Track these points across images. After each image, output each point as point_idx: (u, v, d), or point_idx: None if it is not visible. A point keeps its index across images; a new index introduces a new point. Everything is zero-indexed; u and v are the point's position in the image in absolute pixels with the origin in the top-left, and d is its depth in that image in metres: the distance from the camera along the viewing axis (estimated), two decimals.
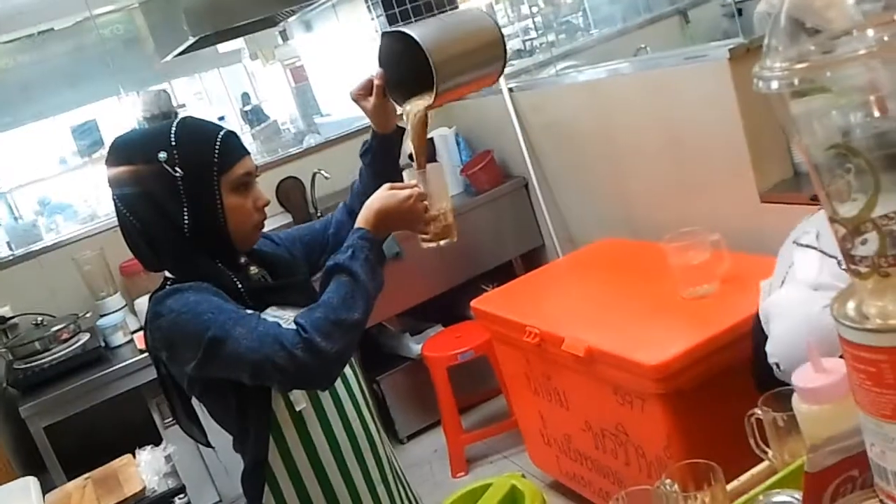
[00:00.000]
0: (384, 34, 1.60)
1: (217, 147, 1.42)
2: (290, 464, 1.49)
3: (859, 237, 0.60)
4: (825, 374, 1.02)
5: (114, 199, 1.45)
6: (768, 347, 1.62)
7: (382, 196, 1.47)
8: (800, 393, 1.04)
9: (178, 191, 1.40)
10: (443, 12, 3.10)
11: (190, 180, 1.40)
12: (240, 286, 1.45)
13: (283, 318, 1.42)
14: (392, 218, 1.47)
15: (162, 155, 1.39)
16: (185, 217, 1.41)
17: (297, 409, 1.47)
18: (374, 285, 1.41)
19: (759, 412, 1.18)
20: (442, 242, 1.57)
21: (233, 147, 1.45)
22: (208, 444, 1.60)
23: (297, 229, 1.76)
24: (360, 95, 1.62)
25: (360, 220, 1.46)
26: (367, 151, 1.68)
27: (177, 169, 1.39)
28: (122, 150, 1.45)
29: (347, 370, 1.58)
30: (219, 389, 1.45)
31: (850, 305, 0.64)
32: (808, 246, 1.60)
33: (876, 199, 0.58)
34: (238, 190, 1.44)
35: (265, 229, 1.56)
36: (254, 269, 1.54)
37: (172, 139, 1.41)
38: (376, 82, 1.60)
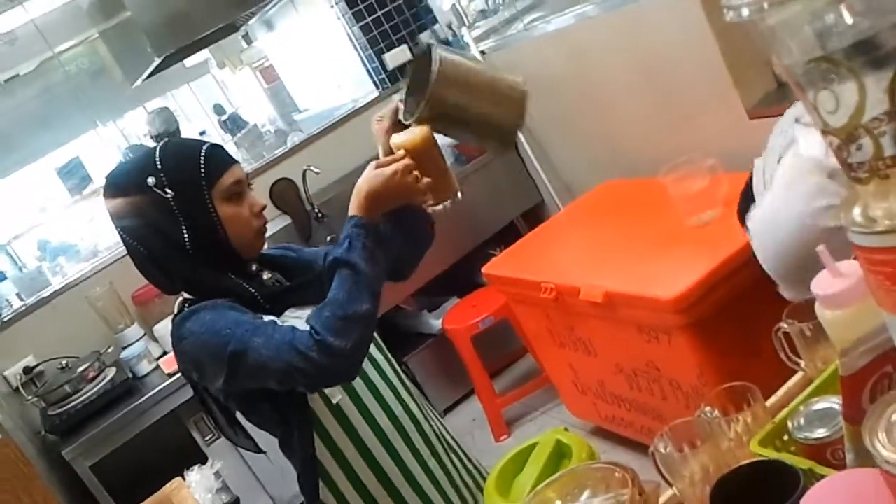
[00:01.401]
0: (415, 58, 1.51)
1: (202, 161, 1.44)
2: (339, 455, 1.51)
3: (853, 144, 0.61)
4: (843, 278, 1.03)
5: (118, 232, 1.48)
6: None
7: (369, 177, 1.44)
8: (821, 300, 1.05)
9: (173, 211, 1.42)
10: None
11: (181, 199, 1.42)
12: (255, 293, 1.47)
13: (303, 317, 1.43)
14: (383, 197, 1.43)
15: (150, 180, 1.42)
16: (185, 235, 1.43)
17: (334, 401, 1.49)
18: (376, 271, 1.40)
19: (786, 325, 1.20)
20: (447, 203, 1.52)
21: (218, 159, 1.46)
22: (259, 451, 1.63)
23: (324, 248, 1.73)
24: (389, 129, 1.53)
25: (352, 207, 1.44)
26: None
27: (167, 190, 1.41)
28: (115, 184, 1.48)
29: (378, 355, 1.60)
30: (253, 398, 1.48)
31: (857, 211, 0.65)
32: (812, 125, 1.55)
33: (863, 104, 0.58)
34: (231, 199, 1.46)
35: (269, 233, 1.57)
36: (267, 275, 1.55)
37: (158, 163, 1.43)
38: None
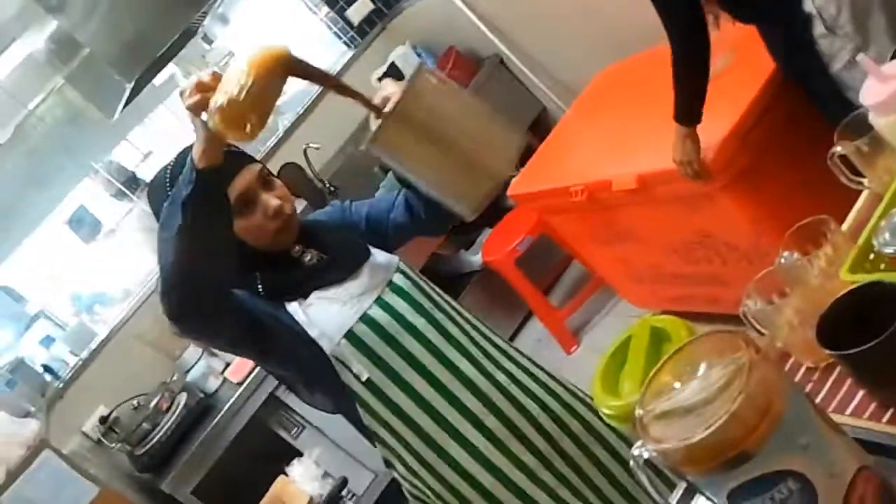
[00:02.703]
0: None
1: None
2: (386, 426, 1.50)
3: None
4: (892, 81, 0.99)
5: None
6: None
7: None
8: (875, 109, 1.02)
9: None
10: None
11: None
12: (261, 289, 1.46)
13: (328, 297, 1.44)
14: None
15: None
16: None
17: (363, 378, 1.45)
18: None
19: (840, 148, 1.16)
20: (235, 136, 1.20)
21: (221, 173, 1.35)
22: (337, 411, 1.61)
23: (370, 206, 1.67)
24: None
25: None
26: None
27: None
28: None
29: (418, 320, 1.50)
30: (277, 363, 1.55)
31: None
32: None
33: None
34: (240, 213, 1.39)
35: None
36: (308, 257, 1.50)
37: (168, 183, 1.39)
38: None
